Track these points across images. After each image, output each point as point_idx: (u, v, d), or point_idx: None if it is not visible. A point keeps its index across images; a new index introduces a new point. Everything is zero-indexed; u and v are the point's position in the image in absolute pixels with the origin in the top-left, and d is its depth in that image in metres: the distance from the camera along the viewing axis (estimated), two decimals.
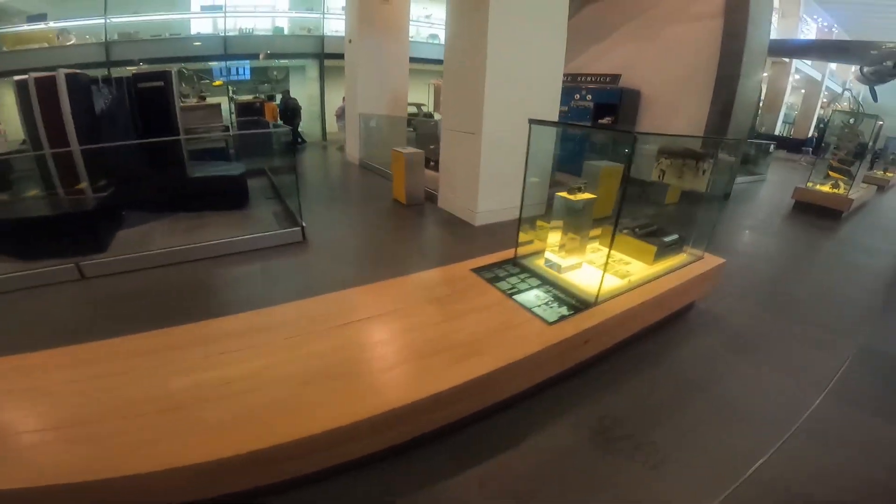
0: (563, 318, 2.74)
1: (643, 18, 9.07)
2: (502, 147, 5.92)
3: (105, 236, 5.01)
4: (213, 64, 17.22)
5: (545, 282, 3.29)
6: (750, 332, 3.75)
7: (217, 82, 17.58)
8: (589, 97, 9.31)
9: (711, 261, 3.90)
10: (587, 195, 3.40)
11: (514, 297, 3.03)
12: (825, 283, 4.89)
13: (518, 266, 3.56)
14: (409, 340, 2.53)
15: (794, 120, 25.48)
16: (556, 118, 6.62)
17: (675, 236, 3.89)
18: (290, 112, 14.24)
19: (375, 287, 3.21)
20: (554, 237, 3.56)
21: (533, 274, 3.42)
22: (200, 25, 17.34)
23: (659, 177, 4.24)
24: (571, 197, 3.36)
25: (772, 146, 13.59)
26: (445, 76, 6.52)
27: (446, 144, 6.68)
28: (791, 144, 20.22)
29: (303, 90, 18.00)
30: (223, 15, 16.50)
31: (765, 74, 22.95)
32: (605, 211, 6.18)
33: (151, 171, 6.12)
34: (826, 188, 8.23)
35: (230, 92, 18.19)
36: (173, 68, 7.56)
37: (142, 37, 16.54)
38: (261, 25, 17.38)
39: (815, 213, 7.79)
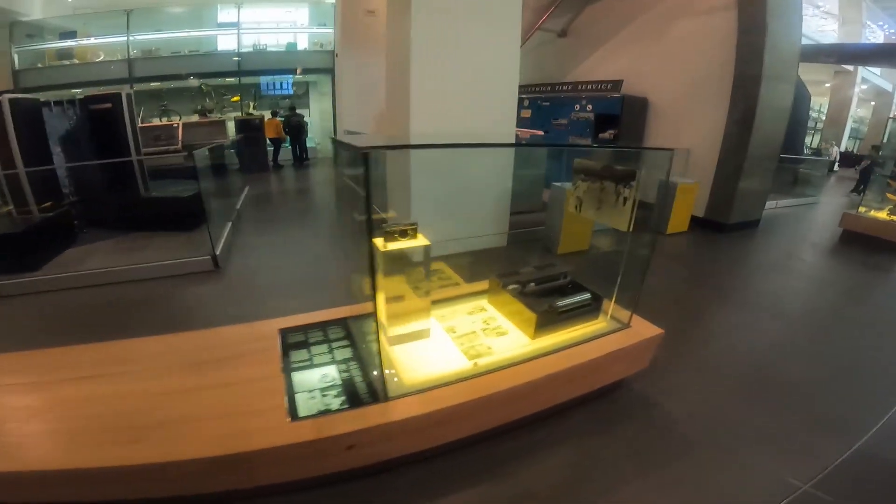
0: (323, 412, 1.97)
1: (646, 17, 7.80)
2: (438, 170, 4.90)
3: (39, 256, 4.93)
4: (258, 79, 17.36)
5: (357, 357, 2.42)
6: (692, 427, 2.54)
7: (234, 98, 17.59)
8: (589, 107, 8.11)
9: (642, 330, 2.74)
10: (415, 241, 2.36)
11: (292, 373, 2.25)
12: (851, 354, 3.46)
13: (344, 329, 2.56)
14: (90, 409, 1.97)
15: (865, 135, 22.78)
16: (511, 134, 5.53)
17: (583, 296, 2.74)
18: (295, 129, 13.85)
19: (138, 342, 2.52)
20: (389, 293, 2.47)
21: (354, 343, 2.50)
22: (224, 42, 17.42)
23: (577, 208, 3.08)
24: (383, 245, 2.33)
25: (835, 162, 11.79)
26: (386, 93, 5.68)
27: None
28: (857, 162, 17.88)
29: (318, 105, 17.76)
30: (236, 32, 16.53)
31: (827, 85, 20.69)
32: (578, 245, 5.10)
33: (103, 191, 6.42)
34: (882, 214, 6.63)
35: (250, 108, 18.15)
36: (124, 90, 7.46)
37: (162, 54, 16.80)
38: (280, 41, 17.29)
39: (866, 247, 6.23)
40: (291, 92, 17.95)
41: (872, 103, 22.13)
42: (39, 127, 6.14)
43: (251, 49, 16.98)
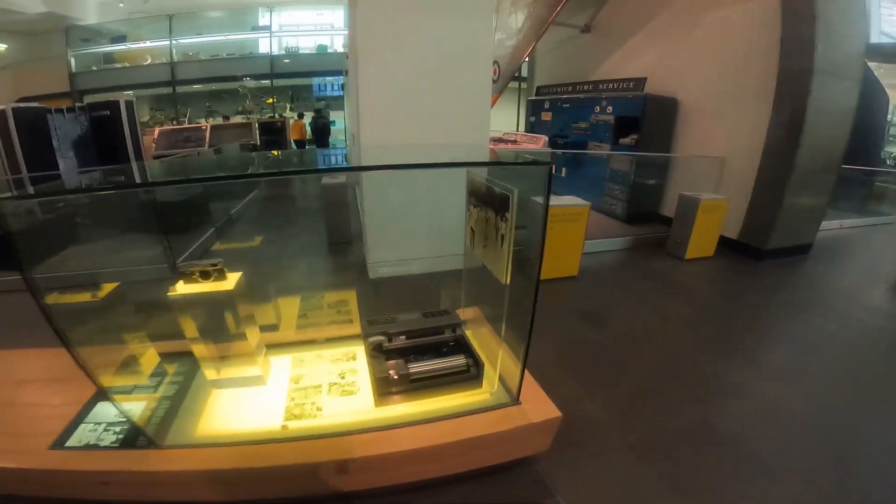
0: (89, 446, 1.90)
1: (676, 5, 6.69)
2: (394, 185, 4.33)
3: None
4: (299, 81, 17.48)
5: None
6: None
7: (269, 100, 17.74)
8: (609, 109, 7.13)
9: (533, 409, 2.03)
10: (217, 284, 1.73)
11: (100, 403, 2.08)
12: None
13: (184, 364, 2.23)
14: None
15: None
16: (484, 144, 4.74)
17: (455, 360, 2.01)
18: (320, 131, 13.66)
19: None
20: None
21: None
22: (264, 45, 17.62)
23: (470, 242, 2.31)
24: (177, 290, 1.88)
25: None
26: None
27: None
28: None
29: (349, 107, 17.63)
30: (269, 35, 16.61)
31: None
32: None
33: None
34: None
35: (286, 109, 18.25)
36: (123, 97, 7.86)
37: (201, 57, 17.20)
38: (310, 43, 17.29)
39: None
40: (342, 93, 17.96)
41: None
42: (43, 133, 6.78)
43: (284, 52, 17.06)
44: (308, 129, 13.74)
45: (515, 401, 1.98)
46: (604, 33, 8.43)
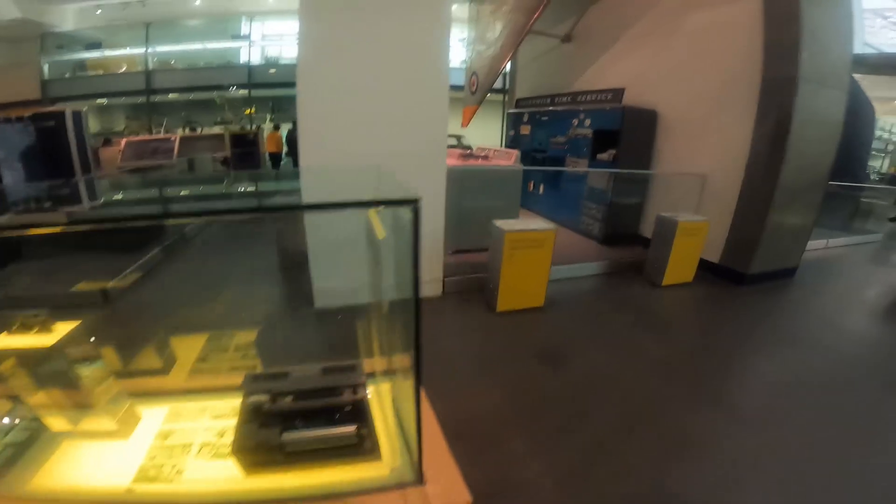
0: None
1: (655, 12, 6.43)
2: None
3: None
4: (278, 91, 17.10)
5: None
6: None
7: (248, 110, 17.33)
8: (587, 122, 6.78)
9: (437, 492, 1.58)
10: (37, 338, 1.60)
11: None
12: None
13: None
14: None
15: None
16: (441, 158, 4.39)
17: (342, 430, 1.62)
18: (294, 143, 13.29)
19: None
20: None
21: None
22: (245, 54, 17.23)
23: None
24: None
25: None
26: None
27: None
28: None
29: None
30: (248, 44, 16.26)
31: None
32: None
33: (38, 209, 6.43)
34: None
35: (266, 120, 17.81)
36: (69, 108, 7.52)
37: (178, 66, 16.79)
38: (294, 53, 16.95)
39: None
40: None
41: None
42: None
43: (264, 62, 16.72)
44: (283, 141, 13.34)
45: (418, 480, 1.58)
46: (584, 42, 8.13)
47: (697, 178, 5.73)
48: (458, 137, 14.90)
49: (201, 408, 1.99)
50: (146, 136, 13.43)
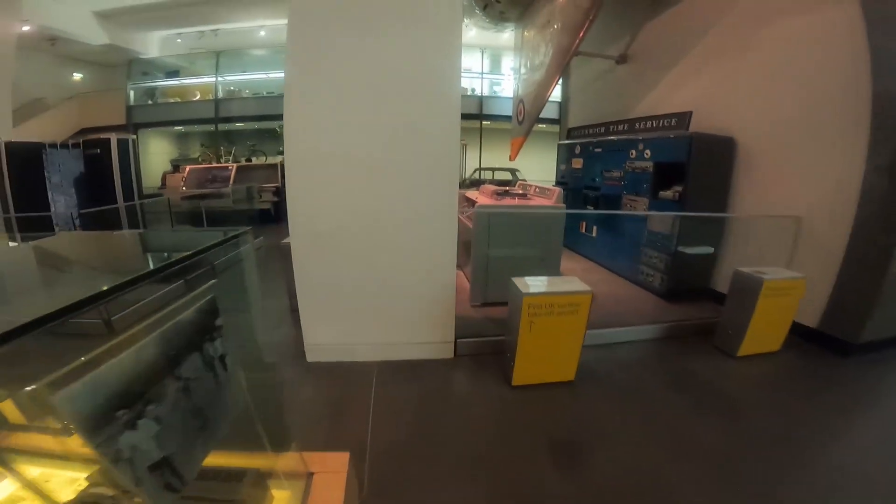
0: None
1: (724, 25, 5.39)
2: (334, 244, 3.39)
3: None
4: None
5: None
6: None
7: None
8: (647, 153, 5.74)
9: None
10: None
11: None
12: None
13: None
14: None
15: None
16: (450, 204, 3.59)
17: None
18: None
19: None
20: None
21: None
22: None
23: None
24: None
25: None
26: None
27: None
28: None
29: None
30: None
31: None
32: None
33: None
34: None
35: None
36: (113, 137, 7.78)
37: (245, 95, 17.38)
38: None
39: None
40: None
41: None
42: (37, 170, 6.91)
43: None
44: None
45: None
46: (642, 63, 7.13)
47: (790, 222, 4.60)
48: (513, 171, 14.16)
49: None
50: (208, 165, 13.87)
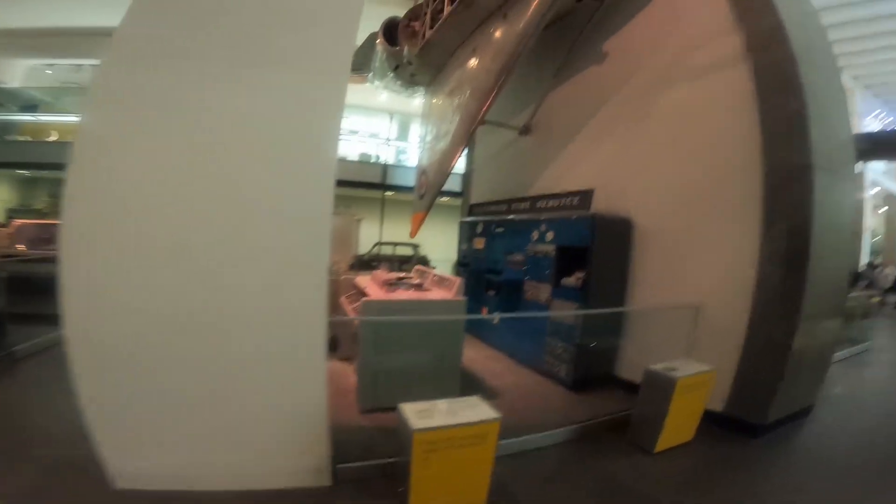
0: None
1: (623, 93, 5.48)
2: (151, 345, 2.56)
3: None
4: None
5: None
6: None
7: None
8: (550, 235, 5.52)
9: None
10: None
11: None
12: None
13: None
14: None
15: (879, 248, 20.55)
16: (321, 288, 2.91)
17: None
18: None
19: None
20: None
21: None
22: None
23: None
24: None
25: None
26: None
27: None
28: None
29: None
30: None
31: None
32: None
33: None
34: None
35: None
36: None
37: None
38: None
39: None
40: None
41: (885, 209, 20.26)
42: None
43: None
44: None
45: None
46: (544, 135, 7.11)
47: (688, 312, 4.46)
48: (415, 247, 13.74)
49: None
50: (44, 220, 11.20)
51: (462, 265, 7.87)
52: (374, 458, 3.26)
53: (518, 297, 6.01)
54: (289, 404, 2.90)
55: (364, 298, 4.05)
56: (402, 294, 4.41)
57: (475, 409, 2.75)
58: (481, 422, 2.62)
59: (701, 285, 4.47)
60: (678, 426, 3.80)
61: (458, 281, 4.44)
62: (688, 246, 4.63)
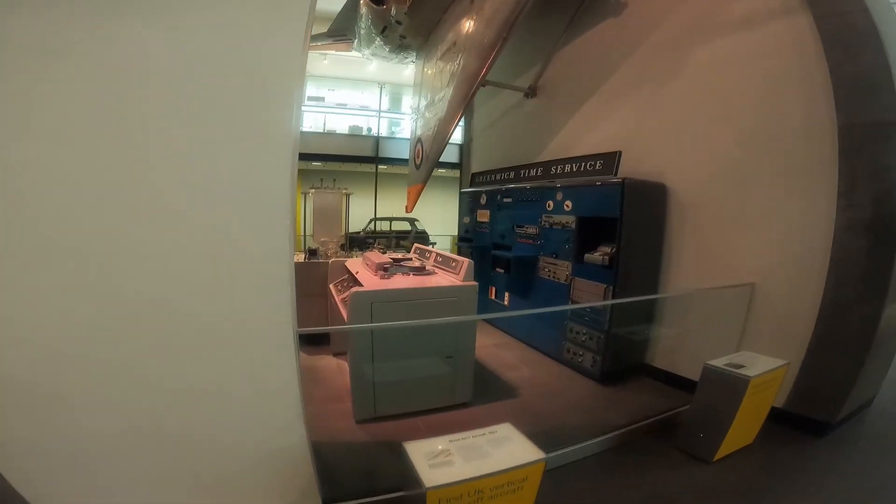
0: None
1: (646, 49, 4.68)
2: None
3: None
4: None
5: None
6: None
7: None
8: (568, 205, 4.79)
9: None
10: None
11: None
12: None
13: None
14: None
15: None
16: (284, 296, 2.01)
17: None
18: None
19: None
20: None
21: None
22: None
23: None
24: None
25: None
26: None
27: None
28: None
29: None
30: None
31: None
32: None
33: None
34: None
35: None
36: None
37: None
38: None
39: None
40: None
41: None
42: None
43: None
44: None
45: None
46: (554, 96, 6.30)
47: (741, 292, 3.75)
48: (412, 222, 12.95)
49: None
50: None
51: (464, 240, 7.12)
52: (375, 494, 2.55)
53: (531, 276, 5.29)
54: (263, 437, 2.17)
55: (353, 288, 3.31)
56: (401, 281, 3.67)
57: (508, 446, 2.03)
58: (520, 466, 1.91)
59: (753, 261, 3.75)
60: (740, 430, 3.15)
61: (466, 262, 3.69)
62: (735, 216, 3.89)
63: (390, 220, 12.85)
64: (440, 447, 1.93)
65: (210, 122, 1.86)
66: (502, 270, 5.88)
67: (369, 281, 3.63)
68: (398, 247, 7.21)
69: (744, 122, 3.81)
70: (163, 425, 1.95)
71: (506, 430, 2.12)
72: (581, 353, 4.48)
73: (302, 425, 2.13)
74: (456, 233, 8.20)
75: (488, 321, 6.09)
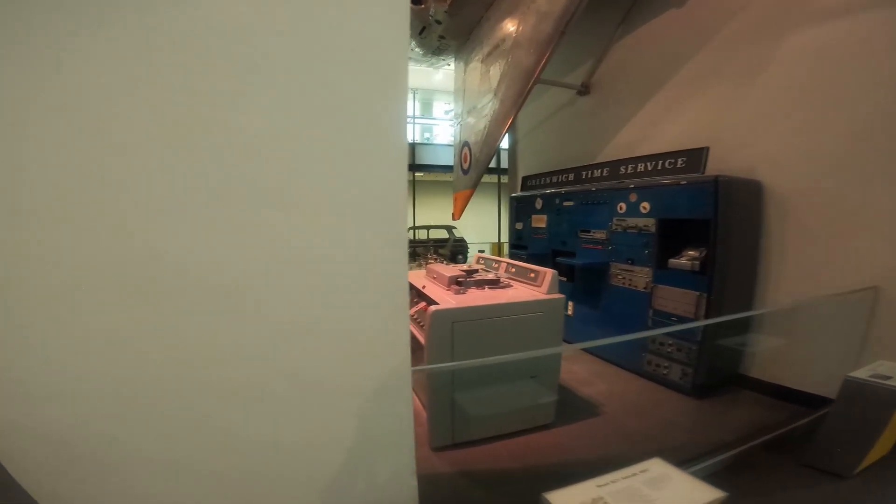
0: None
1: (721, 40, 4.34)
2: None
3: None
4: None
5: None
6: None
7: None
8: (645, 206, 4.44)
9: None
10: None
11: None
12: None
13: None
14: None
15: None
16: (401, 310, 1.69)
17: None
18: None
19: None
20: None
21: None
22: None
23: None
24: None
25: None
26: None
27: None
28: None
29: None
30: None
31: None
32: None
33: None
34: None
35: None
36: None
37: None
38: None
39: None
40: None
41: None
42: None
43: None
44: None
45: None
46: (609, 93, 5.95)
47: (863, 295, 3.32)
48: (450, 229, 12.64)
49: None
50: None
51: (516, 247, 6.78)
52: None
53: (600, 284, 4.92)
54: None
55: (429, 307, 3.02)
56: (477, 295, 3.36)
57: (671, 486, 1.68)
58: None
59: (874, 263, 3.33)
60: (882, 442, 2.82)
61: (549, 273, 3.35)
62: (851, 213, 3.48)
63: (427, 227, 12.60)
64: (592, 497, 1.59)
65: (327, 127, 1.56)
66: (565, 279, 5.52)
67: (442, 297, 3.33)
68: (436, 254, 6.90)
69: (853, 112, 3.42)
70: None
71: (659, 467, 1.77)
72: (667, 364, 4.09)
73: (414, 478, 1.83)
74: (495, 240, 7.87)
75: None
